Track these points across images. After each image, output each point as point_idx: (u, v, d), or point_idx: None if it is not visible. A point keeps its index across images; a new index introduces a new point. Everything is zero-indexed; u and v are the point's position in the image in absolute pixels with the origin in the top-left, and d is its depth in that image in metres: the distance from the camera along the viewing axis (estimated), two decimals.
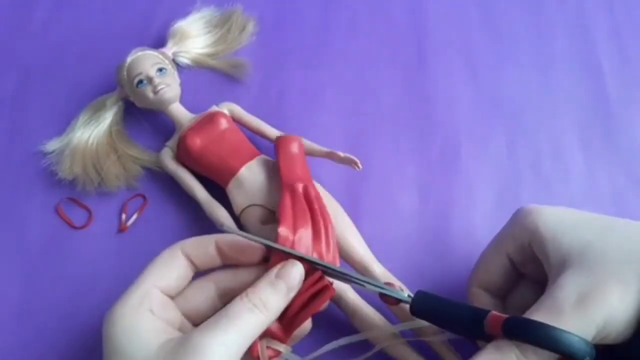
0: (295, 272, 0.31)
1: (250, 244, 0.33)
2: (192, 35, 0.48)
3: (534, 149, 0.45)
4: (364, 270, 0.38)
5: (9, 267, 0.41)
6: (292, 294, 0.31)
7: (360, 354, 0.36)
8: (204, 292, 0.33)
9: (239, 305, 0.29)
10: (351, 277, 0.32)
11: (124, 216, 0.42)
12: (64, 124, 0.45)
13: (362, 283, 0.32)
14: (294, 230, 0.35)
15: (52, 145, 0.44)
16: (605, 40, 0.50)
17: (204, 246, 0.32)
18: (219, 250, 0.33)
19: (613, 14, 0.51)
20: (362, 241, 0.39)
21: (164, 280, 0.31)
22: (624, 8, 0.51)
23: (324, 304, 0.32)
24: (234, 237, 0.33)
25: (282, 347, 0.33)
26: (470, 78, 0.48)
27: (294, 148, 0.40)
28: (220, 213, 0.40)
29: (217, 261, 0.33)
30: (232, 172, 0.40)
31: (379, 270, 0.38)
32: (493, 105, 0.47)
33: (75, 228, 0.42)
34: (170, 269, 0.32)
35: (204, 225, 0.41)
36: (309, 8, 0.51)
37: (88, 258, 0.41)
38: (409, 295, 0.32)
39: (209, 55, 0.48)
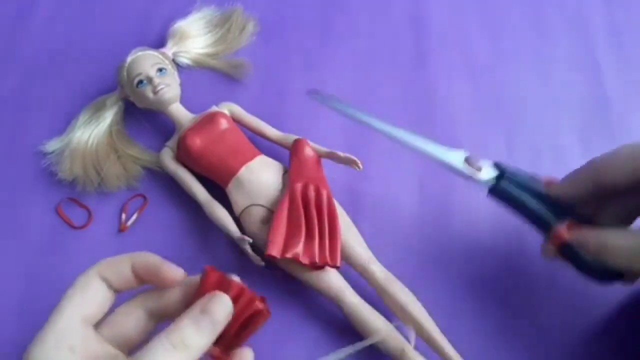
0: (222, 309, 0.28)
1: (167, 267, 0.29)
2: (192, 35, 0.48)
3: (534, 149, 0.45)
4: (364, 270, 0.38)
5: (9, 267, 0.41)
6: (219, 329, 0.28)
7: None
8: (133, 317, 0.30)
9: (157, 347, 0.26)
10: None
11: (124, 216, 0.42)
12: (64, 124, 0.45)
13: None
14: (285, 241, 0.35)
15: (52, 145, 0.44)
16: (605, 40, 0.50)
17: (119, 268, 0.30)
18: (135, 272, 0.30)
19: (613, 14, 0.51)
20: (362, 241, 0.39)
21: (84, 308, 0.28)
22: (624, 8, 0.51)
23: (258, 328, 0.30)
24: (149, 259, 0.30)
25: None
26: (470, 78, 0.48)
27: (307, 151, 0.40)
28: (220, 213, 0.40)
29: (135, 283, 0.30)
30: (232, 172, 0.40)
31: (379, 270, 0.38)
32: (493, 105, 0.47)
33: (75, 228, 0.42)
34: (87, 294, 0.29)
35: (204, 225, 0.41)
36: (309, 8, 0.51)
37: (88, 258, 0.40)
38: (495, 176, 0.35)
39: (209, 55, 0.48)
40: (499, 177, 0.35)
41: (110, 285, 0.30)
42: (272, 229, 0.36)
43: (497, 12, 0.51)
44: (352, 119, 0.39)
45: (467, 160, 0.36)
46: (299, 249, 0.35)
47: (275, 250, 0.34)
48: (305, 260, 0.36)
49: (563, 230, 0.33)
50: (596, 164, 0.34)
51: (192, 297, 0.28)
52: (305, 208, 0.37)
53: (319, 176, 0.40)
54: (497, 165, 0.36)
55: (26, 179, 0.44)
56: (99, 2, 0.52)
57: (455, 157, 0.36)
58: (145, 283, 0.30)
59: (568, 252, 0.33)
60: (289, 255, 0.35)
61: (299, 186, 0.38)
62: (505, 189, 0.35)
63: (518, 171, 0.35)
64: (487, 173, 0.35)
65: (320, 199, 0.37)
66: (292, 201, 0.37)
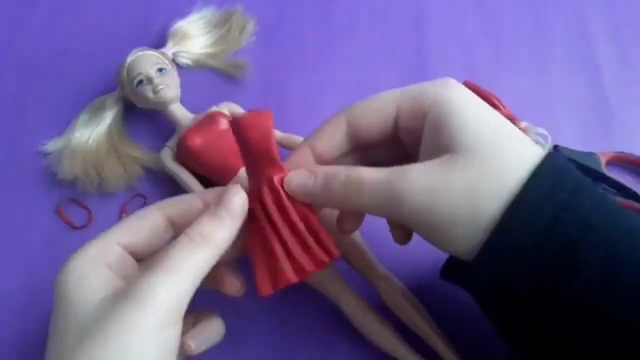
0: (236, 197, 0.28)
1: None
2: (192, 36, 0.48)
3: None
4: (364, 270, 0.38)
5: (9, 267, 0.41)
6: (238, 222, 0.27)
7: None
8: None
9: (176, 245, 0.26)
10: None
11: (124, 216, 0.42)
12: (64, 124, 0.45)
13: None
14: (270, 271, 0.30)
15: (52, 145, 0.44)
16: (605, 40, 0.50)
17: (187, 204, 0.29)
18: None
19: (613, 14, 0.51)
20: (362, 241, 0.39)
21: (131, 237, 0.28)
22: (624, 8, 0.51)
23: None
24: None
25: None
26: (470, 78, 0.48)
27: (229, 123, 0.35)
28: None
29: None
30: (232, 172, 0.40)
31: (379, 270, 0.38)
32: None
33: (75, 228, 0.42)
34: (140, 225, 0.28)
35: None
36: (309, 8, 0.51)
37: None
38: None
39: (209, 55, 0.48)
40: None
41: (171, 222, 0.29)
42: (254, 267, 0.31)
43: (497, 12, 0.51)
44: None
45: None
46: (287, 271, 0.30)
47: (265, 289, 0.30)
48: (300, 277, 0.30)
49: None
50: (350, 117, 0.31)
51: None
52: (269, 220, 0.30)
53: (268, 160, 0.30)
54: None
55: (26, 179, 0.44)
56: (99, 2, 0.52)
57: None
58: None
59: None
60: (280, 285, 0.30)
61: (256, 203, 0.31)
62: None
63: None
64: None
65: (278, 196, 0.30)
66: (254, 223, 0.31)
